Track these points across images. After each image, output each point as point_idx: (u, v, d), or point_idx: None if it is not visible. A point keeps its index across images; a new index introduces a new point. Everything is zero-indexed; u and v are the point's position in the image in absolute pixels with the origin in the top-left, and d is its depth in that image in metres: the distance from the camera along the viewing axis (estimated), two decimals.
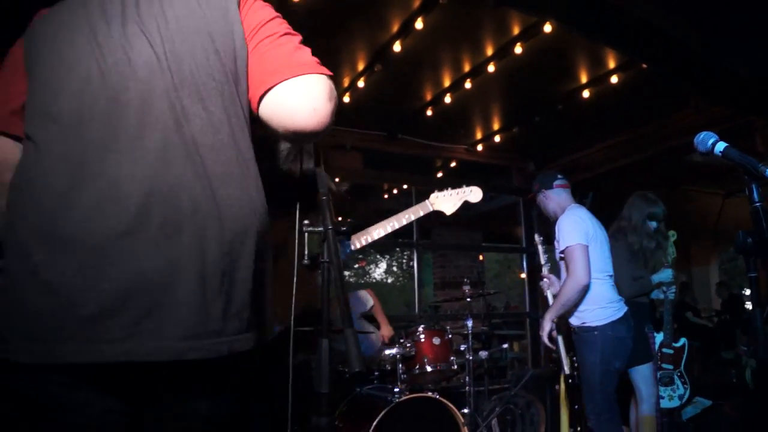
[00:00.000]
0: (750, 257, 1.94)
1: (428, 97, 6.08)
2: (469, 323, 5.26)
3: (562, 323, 4.69)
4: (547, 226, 5.33)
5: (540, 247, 5.16)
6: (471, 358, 5.17)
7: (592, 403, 4.38)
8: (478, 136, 7.33)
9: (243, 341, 1.43)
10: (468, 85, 5.67)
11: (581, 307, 4.42)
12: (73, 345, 1.30)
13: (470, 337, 5.23)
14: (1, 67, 1.66)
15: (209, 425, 1.45)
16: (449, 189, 3.61)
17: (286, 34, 1.59)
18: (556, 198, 4.74)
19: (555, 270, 4.84)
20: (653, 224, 4.81)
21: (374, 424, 4.03)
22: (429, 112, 6.31)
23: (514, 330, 11.00)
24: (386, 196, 9.22)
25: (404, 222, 3.48)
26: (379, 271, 29.15)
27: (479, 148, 7.56)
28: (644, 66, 5.22)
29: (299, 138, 1.60)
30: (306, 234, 1.67)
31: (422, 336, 4.78)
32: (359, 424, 4.15)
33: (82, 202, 1.35)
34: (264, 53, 1.55)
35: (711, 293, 13.75)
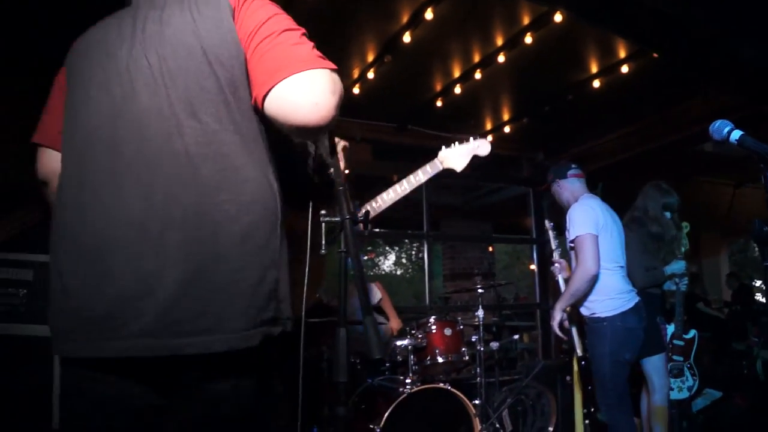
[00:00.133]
0: (766, 247, 1.93)
1: (438, 87, 6.07)
2: (480, 314, 5.25)
3: (575, 312, 4.68)
4: (557, 216, 5.31)
5: (551, 233, 5.14)
6: (482, 349, 5.17)
7: (603, 394, 4.37)
8: (488, 126, 7.31)
9: (241, 339, 1.50)
10: (478, 75, 5.66)
11: (591, 298, 4.41)
12: (84, 342, 1.50)
13: (481, 328, 5.22)
14: (53, 88, 1.89)
15: (215, 401, 1.54)
16: (456, 144, 3.52)
17: (284, 31, 1.60)
18: (569, 187, 4.72)
19: (566, 256, 4.83)
20: (668, 214, 4.79)
21: (386, 414, 4.05)
22: (439, 103, 6.30)
23: (523, 321, 11.00)
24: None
25: (414, 184, 3.32)
26: (388, 263, 29.21)
27: (489, 138, 7.50)
28: (655, 55, 5.20)
29: (305, 133, 1.63)
30: (323, 224, 1.66)
31: (433, 327, 4.78)
32: (372, 415, 4.17)
33: (90, 217, 1.53)
34: (263, 54, 1.57)
35: (721, 284, 13.70)
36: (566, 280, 4.66)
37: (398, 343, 4.80)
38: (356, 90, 5.84)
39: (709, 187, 9.96)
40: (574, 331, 4.77)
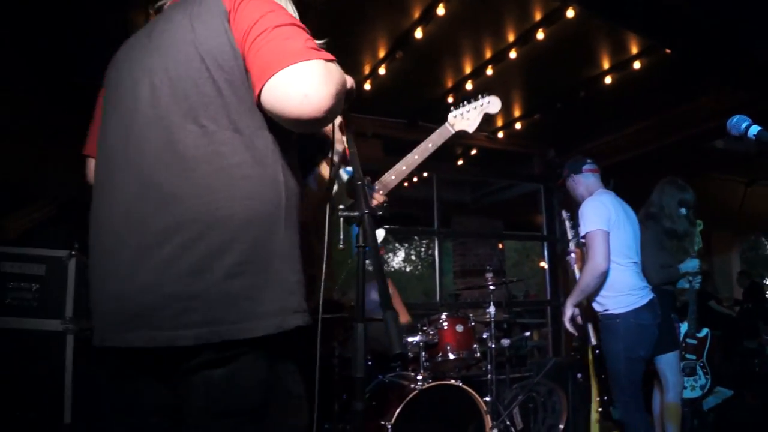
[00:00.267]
0: None
1: (449, 84, 6.05)
2: (492, 311, 5.24)
3: (589, 309, 4.66)
4: (568, 213, 5.30)
5: (567, 223, 5.13)
6: (493, 346, 5.16)
7: (619, 391, 4.35)
8: (499, 123, 7.28)
9: (237, 330, 1.57)
10: (489, 71, 5.65)
11: (603, 294, 4.40)
12: (99, 332, 1.69)
13: (493, 324, 5.21)
14: (97, 101, 2.07)
15: (219, 392, 1.62)
16: (465, 104, 3.29)
17: (276, 27, 1.62)
18: (584, 182, 4.71)
19: (582, 248, 4.82)
20: (683, 210, 4.77)
21: (397, 411, 4.04)
22: (450, 99, 6.27)
23: (534, 319, 10.98)
24: (406, 184, 9.19)
25: (427, 152, 3.17)
26: (397, 259, 29.15)
27: (500, 135, 7.52)
28: (667, 51, 5.17)
29: (302, 125, 1.63)
30: (341, 219, 1.65)
31: (445, 324, 4.76)
32: (383, 411, 4.16)
33: (102, 221, 1.74)
34: (257, 51, 1.61)
35: (732, 282, 13.64)
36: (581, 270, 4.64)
37: (409, 339, 4.78)
38: (367, 86, 5.84)
39: (721, 184, 9.90)
40: (589, 326, 4.76)
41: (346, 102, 1.89)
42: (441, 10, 4.56)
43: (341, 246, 1.79)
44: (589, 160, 4.76)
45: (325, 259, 1.92)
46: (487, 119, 6.95)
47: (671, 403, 4.61)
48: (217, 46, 1.66)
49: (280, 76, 1.55)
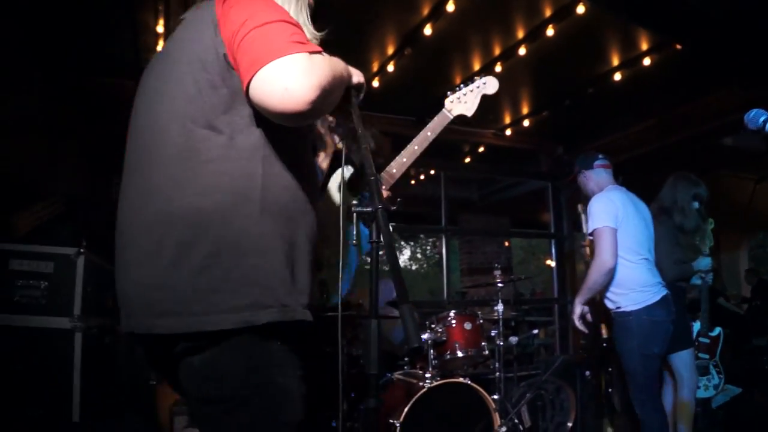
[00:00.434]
0: None
1: (457, 80, 6.02)
2: (500, 308, 5.22)
3: (601, 306, 4.64)
4: (575, 210, 5.27)
5: (583, 216, 5.12)
6: (502, 343, 5.14)
7: (635, 389, 4.32)
8: (507, 120, 7.25)
9: (206, 322, 1.64)
10: (498, 68, 5.61)
11: (615, 291, 4.38)
12: (122, 317, 1.81)
13: (501, 322, 5.19)
14: None
15: (200, 379, 1.74)
16: (462, 87, 3.25)
17: (261, 25, 1.66)
18: (595, 178, 4.68)
19: None
20: (695, 205, 4.75)
21: (406, 409, 4.03)
22: None
23: (541, 317, 10.96)
24: (413, 182, 9.19)
25: (426, 143, 3.11)
26: (403, 258, 29.14)
27: (507, 132, 7.49)
28: (678, 47, 5.14)
29: (289, 119, 1.65)
30: (354, 215, 1.64)
31: (453, 321, 4.75)
32: (392, 409, 4.15)
33: (119, 218, 1.85)
34: (243, 51, 1.65)
35: (740, 280, 13.59)
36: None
37: None
38: (375, 83, 5.82)
39: (729, 181, 9.85)
40: (602, 325, 4.74)
41: (356, 96, 1.98)
42: (450, 7, 4.54)
43: (353, 242, 1.79)
44: (600, 156, 4.72)
45: (341, 259, 1.94)
46: (495, 118, 7.03)
47: (685, 401, 4.59)
48: (203, 50, 1.75)
49: (262, 72, 1.58)
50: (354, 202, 1.71)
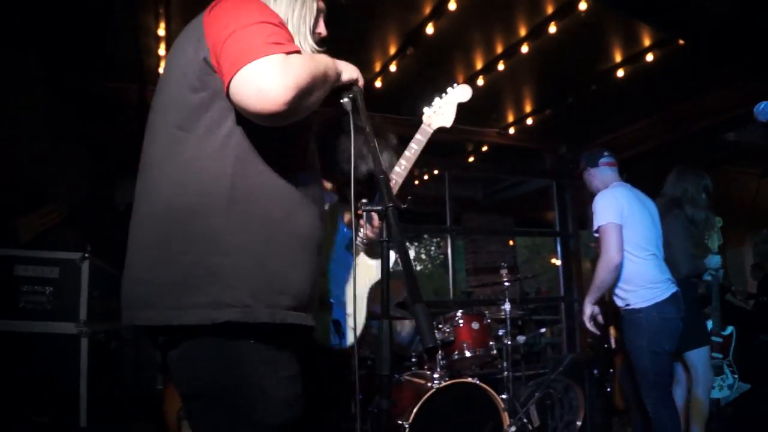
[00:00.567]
0: None
1: (460, 80, 6.00)
2: (507, 308, 5.19)
3: (611, 305, 4.61)
4: (580, 208, 5.26)
5: None
6: (510, 343, 5.12)
7: (647, 387, 4.28)
8: (510, 119, 7.24)
9: (173, 316, 1.72)
10: (501, 66, 5.61)
11: (623, 287, 4.34)
12: (122, 313, 1.88)
13: (508, 321, 5.17)
14: None
15: (179, 374, 1.85)
16: (437, 99, 3.22)
17: (240, 29, 1.69)
18: (600, 176, 4.64)
19: None
20: (704, 197, 4.74)
21: (415, 410, 4.01)
22: None
23: (546, 315, 10.93)
24: (417, 182, 9.17)
25: (412, 160, 3.09)
26: (400, 260, 29.04)
27: (511, 131, 7.47)
28: (680, 43, 5.11)
29: (266, 120, 1.68)
30: (364, 214, 1.63)
31: (461, 321, 4.74)
32: (400, 410, 4.13)
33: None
34: (223, 56, 1.69)
35: (745, 275, 13.55)
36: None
37: None
38: (378, 83, 5.80)
39: (733, 176, 9.83)
40: (611, 330, 4.72)
41: (358, 93, 2.03)
42: (452, 5, 4.53)
43: (364, 242, 1.78)
44: (606, 153, 4.68)
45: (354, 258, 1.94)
46: (498, 116, 7.01)
47: (699, 399, 4.56)
48: (187, 58, 1.84)
49: (239, 74, 1.61)
50: (364, 200, 1.68)
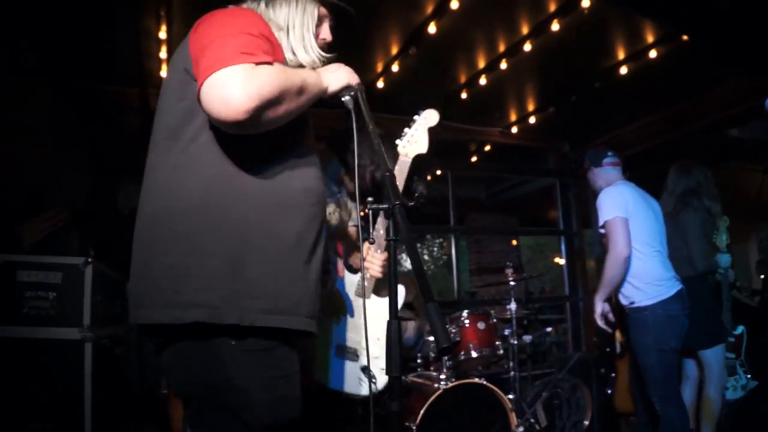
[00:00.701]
0: None
1: (463, 79, 5.99)
2: (513, 307, 5.17)
3: (617, 305, 4.59)
4: (584, 207, 5.24)
5: None
6: (516, 342, 5.10)
7: (654, 386, 4.26)
8: (513, 118, 7.21)
9: (151, 315, 1.83)
10: (503, 65, 5.57)
11: (631, 283, 4.33)
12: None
13: (514, 321, 5.15)
14: None
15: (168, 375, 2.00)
16: (407, 130, 3.26)
17: (212, 40, 1.78)
18: (604, 175, 4.66)
19: None
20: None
21: (422, 412, 3.99)
22: (464, 95, 6.21)
23: (552, 315, 10.89)
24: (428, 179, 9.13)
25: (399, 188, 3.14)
26: (409, 259, 29.02)
27: (514, 130, 7.43)
28: (684, 38, 5.08)
29: (231, 128, 1.75)
30: (370, 212, 1.60)
31: (467, 321, 4.71)
32: (407, 412, 4.11)
33: None
34: (197, 68, 1.78)
35: (750, 272, 13.49)
36: None
37: (430, 338, 4.74)
38: (380, 84, 5.77)
39: (737, 173, 9.79)
40: (617, 334, 4.71)
41: (361, 93, 2.06)
42: (455, 4, 4.50)
43: (371, 240, 1.77)
44: (610, 153, 4.70)
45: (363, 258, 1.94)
46: (501, 116, 6.98)
47: (711, 397, 4.53)
48: (176, 69, 1.93)
49: (206, 83, 1.68)
50: (369, 198, 1.66)
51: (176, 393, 1.89)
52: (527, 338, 5.45)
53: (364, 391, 2.88)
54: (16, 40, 4.63)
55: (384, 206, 1.56)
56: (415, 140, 3.13)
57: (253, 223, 1.85)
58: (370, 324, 2.82)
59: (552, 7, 4.73)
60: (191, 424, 1.95)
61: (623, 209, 4.29)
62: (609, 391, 5.63)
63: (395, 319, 1.45)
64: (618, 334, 4.87)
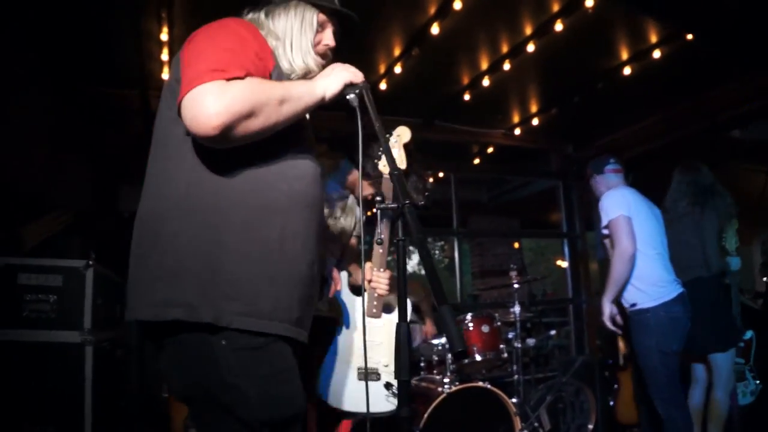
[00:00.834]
0: None
1: (465, 80, 5.95)
2: (517, 310, 5.14)
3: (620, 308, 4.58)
4: (587, 209, 5.23)
5: None
6: (520, 346, 5.07)
7: (656, 389, 4.26)
8: (516, 119, 7.16)
9: (137, 312, 1.89)
10: (506, 66, 5.53)
11: (634, 284, 4.33)
12: None
13: (518, 324, 5.12)
14: None
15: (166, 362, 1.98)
16: (379, 152, 3.14)
17: (192, 56, 1.88)
18: (606, 182, 4.71)
19: None
20: None
21: (426, 416, 3.97)
22: (466, 97, 6.18)
23: (555, 318, 10.85)
24: (426, 192, 9.08)
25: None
26: (411, 263, 28.99)
27: (517, 132, 7.39)
28: (687, 38, 5.04)
29: (208, 142, 1.82)
30: (378, 212, 1.57)
31: (471, 324, 4.69)
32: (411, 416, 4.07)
33: None
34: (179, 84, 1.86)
35: (753, 274, 13.44)
36: None
37: (435, 341, 4.72)
38: (383, 85, 5.74)
39: (740, 174, 9.76)
40: (620, 342, 4.70)
41: (365, 90, 2.04)
42: (458, 4, 4.46)
43: (379, 240, 1.74)
44: (612, 160, 4.77)
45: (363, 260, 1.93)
46: (504, 117, 6.95)
47: (718, 399, 4.52)
48: (170, 78, 2.01)
49: (183, 102, 1.78)
50: (378, 198, 1.63)
51: (176, 396, 1.88)
52: (531, 341, 5.43)
53: (392, 405, 2.93)
54: (17, 41, 4.61)
55: (393, 206, 1.52)
56: (395, 156, 3.11)
57: (234, 226, 1.88)
58: (388, 343, 2.84)
59: (555, 7, 4.70)
60: (195, 424, 2.03)
61: (626, 209, 4.32)
62: (612, 403, 5.60)
63: (404, 321, 1.41)
64: (621, 345, 4.85)
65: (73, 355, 3.57)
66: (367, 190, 3.23)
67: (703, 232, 4.58)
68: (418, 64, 5.43)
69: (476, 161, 8.34)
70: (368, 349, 2.90)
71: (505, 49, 5.35)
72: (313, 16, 2.19)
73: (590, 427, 5.47)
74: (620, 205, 4.33)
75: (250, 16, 2.22)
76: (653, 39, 5.23)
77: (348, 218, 3.49)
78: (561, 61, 5.59)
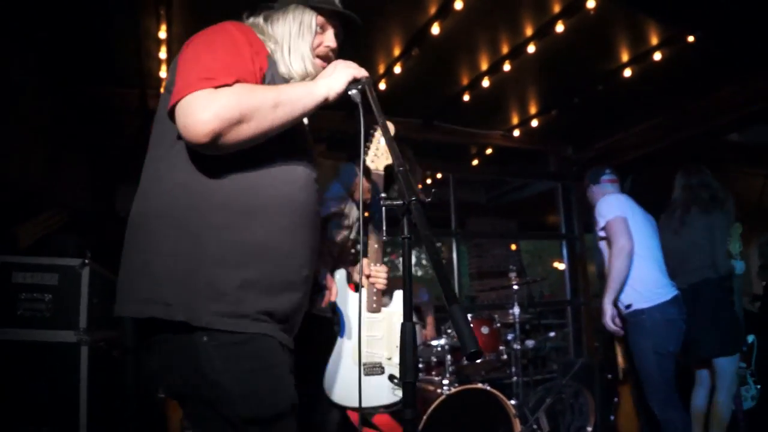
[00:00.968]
0: None
1: (465, 81, 5.92)
2: (516, 311, 5.12)
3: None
4: (586, 211, 5.23)
5: None
6: (519, 347, 5.05)
7: (653, 390, 4.29)
8: (515, 121, 7.14)
9: (125, 309, 1.92)
10: (507, 67, 5.51)
11: (627, 288, 4.37)
12: None
13: (517, 326, 5.10)
14: None
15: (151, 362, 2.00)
16: (368, 146, 3.16)
17: (185, 64, 1.91)
18: (602, 192, 4.85)
19: None
20: None
21: (425, 417, 3.96)
22: (466, 97, 6.15)
23: (553, 319, 10.84)
24: (420, 186, 9.07)
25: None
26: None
27: (516, 133, 7.37)
28: (688, 41, 5.02)
29: (202, 149, 1.84)
30: (384, 209, 1.53)
31: (471, 325, 4.66)
32: None
33: None
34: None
35: (751, 277, 13.43)
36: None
37: (434, 343, 4.70)
38: (382, 86, 5.71)
39: (739, 177, 9.75)
40: (617, 347, 4.71)
41: (367, 86, 2.03)
42: (459, 4, 4.44)
43: (384, 237, 1.71)
44: (608, 170, 4.92)
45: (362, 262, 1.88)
46: (503, 118, 6.93)
47: (721, 402, 4.50)
48: (168, 81, 2.00)
49: (175, 111, 1.81)
50: (383, 194, 1.60)
51: (168, 395, 1.90)
52: (530, 343, 5.40)
53: (397, 397, 2.92)
54: (15, 40, 4.59)
55: (398, 202, 1.49)
56: (381, 153, 3.10)
57: (215, 229, 1.89)
58: (389, 336, 2.82)
59: (556, 8, 4.67)
60: (189, 422, 2.06)
61: (623, 210, 4.41)
62: (612, 417, 5.58)
63: (410, 321, 1.37)
64: (620, 360, 4.83)
65: (68, 355, 3.54)
66: (368, 194, 3.21)
67: (713, 234, 4.59)
68: (418, 65, 5.41)
69: (475, 162, 8.32)
70: (370, 344, 2.89)
71: (505, 49, 5.33)
72: (312, 19, 2.19)
73: (589, 429, 5.45)
74: (616, 207, 4.42)
75: (250, 20, 2.23)
76: (654, 41, 5.21)
77: (353, 231, 3.49)
78: (561, 63, 5.57)
